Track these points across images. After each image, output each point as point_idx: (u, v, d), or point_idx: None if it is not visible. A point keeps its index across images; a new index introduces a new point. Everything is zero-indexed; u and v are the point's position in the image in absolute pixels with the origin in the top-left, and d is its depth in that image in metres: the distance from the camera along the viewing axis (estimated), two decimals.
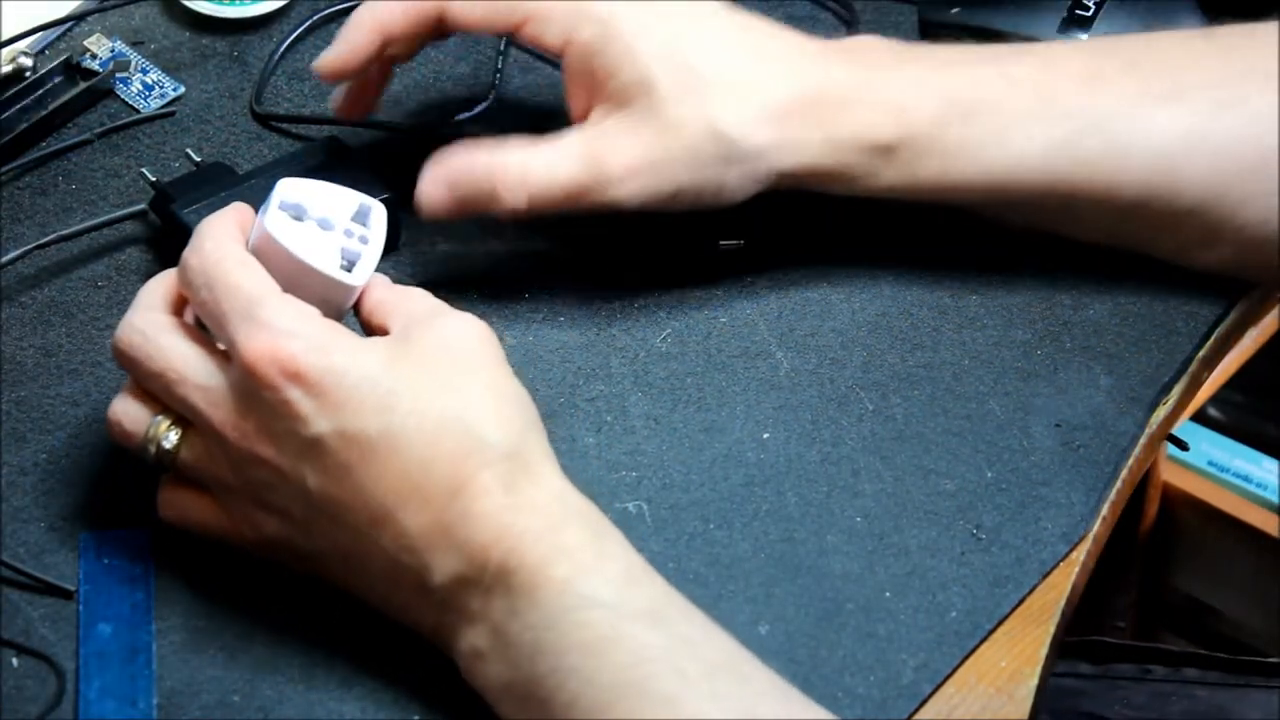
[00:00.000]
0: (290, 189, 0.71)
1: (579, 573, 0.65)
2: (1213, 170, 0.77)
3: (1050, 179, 0.77)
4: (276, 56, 0.90)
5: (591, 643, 0.64)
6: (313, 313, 0.68)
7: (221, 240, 0.69)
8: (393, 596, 0.69)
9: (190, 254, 0.70)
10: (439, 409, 0.67)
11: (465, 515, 0.66)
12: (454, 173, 0.77)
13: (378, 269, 0.72)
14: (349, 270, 0.71)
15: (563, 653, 0.64)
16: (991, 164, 0.77)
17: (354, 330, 0.70)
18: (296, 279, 0.69)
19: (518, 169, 0.76)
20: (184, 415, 0.70)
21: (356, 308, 0.72)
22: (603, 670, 0.63)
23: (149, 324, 0.70)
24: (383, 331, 0.70)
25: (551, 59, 0.84)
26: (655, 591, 0.66)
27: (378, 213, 0.72)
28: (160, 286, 0.71)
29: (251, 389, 0.67)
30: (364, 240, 0.71)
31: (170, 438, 0.70)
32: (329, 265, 0.70)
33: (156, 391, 0.70)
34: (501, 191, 0.76)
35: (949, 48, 0.80)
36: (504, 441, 0.67)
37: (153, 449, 0.70)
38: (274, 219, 0.70)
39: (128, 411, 0.71)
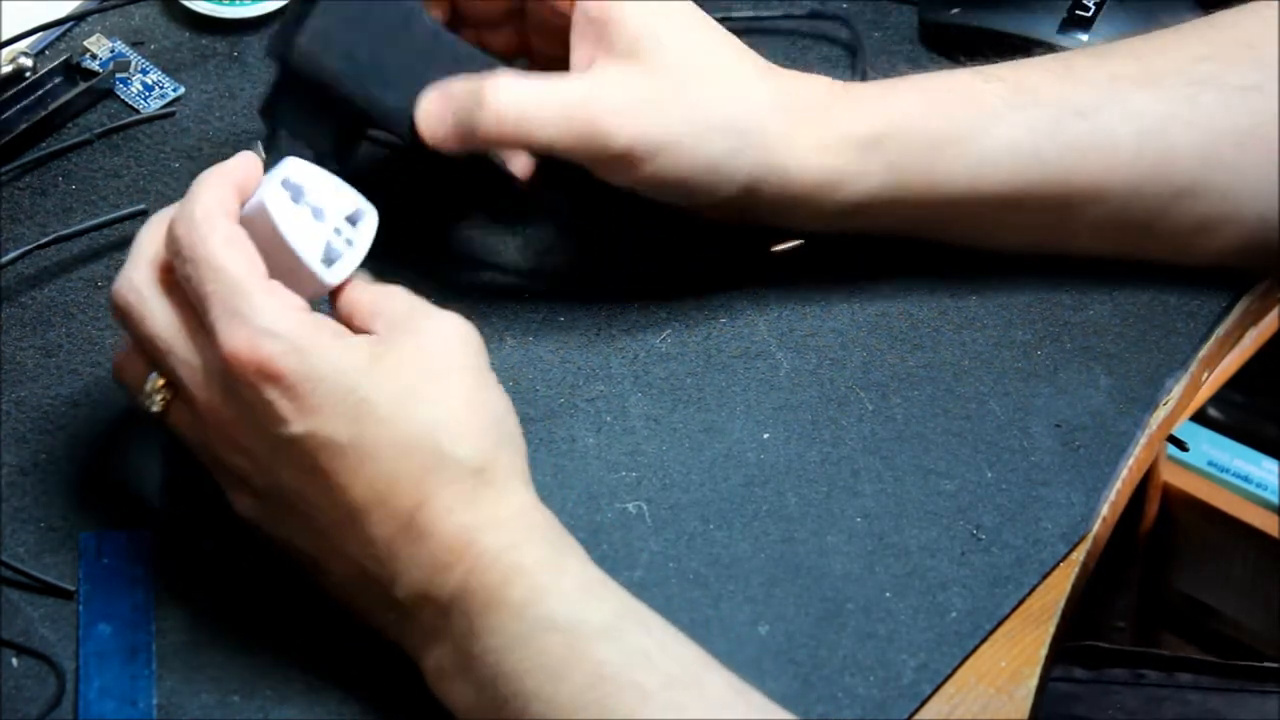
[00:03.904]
0: (297, 169, 0.70)
1: (535, 595, 0.65)
2: (1200, 145, 0.77)
3: (1040, 169, 0.77)
4: None
5: (550, 666, 0.64)
6: (297, 305, 0.68)
7: (211, 211, 0.68)
8: (358, 600, 0.69)
9: (178, 222, 0.68)
10: (411, 421, 0.66)
11: (426, 533, 0.66)
12: (453, 84, 0.74)
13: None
14: (328, 266, 0.70)
15: (523, 676, 0.64)
16: (978, 154, 0.77)
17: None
18: (275, 256, 0.69)
19: (510, 89, 0.74)
20: (172, 382, 0.70)
21: (333, 305, 0.71)
22: (561, 693, 0.63)
23: (143, 283, 0.69)
24: (365, 332, 0.70)
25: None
26: (612, 605, 0.66)
27: (370, 220, 0.71)
28: (157, 236, 0.70)
29: (231, 380, 0.67)
30: (349, 242, 0.71)
31: (156, 401, 0.70)
32: (311, 256, 0.69)
33: (148, 354, 0.70)
34: (489, 100, 0.73)
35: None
36: (471, 457, 0.67)
37: (145, 406, 0.70)
38: (273, 193, 0.69)
39: (128, 364, 0.71)
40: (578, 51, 0.76)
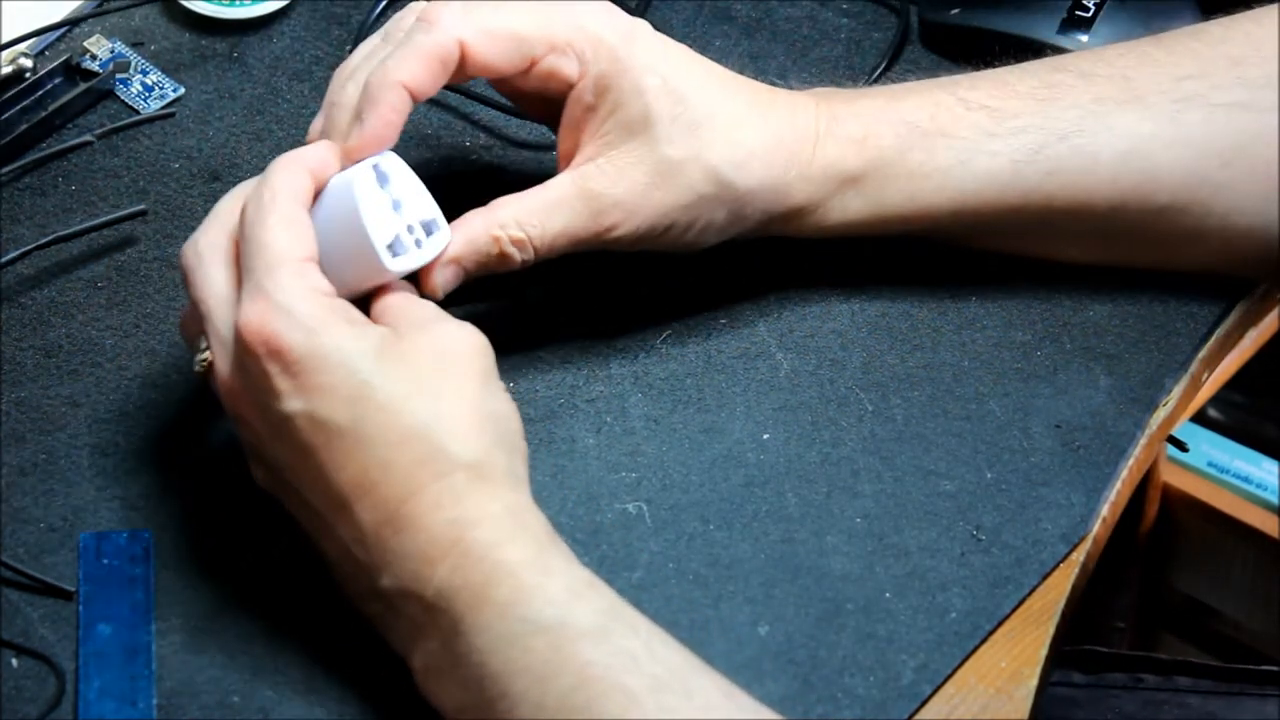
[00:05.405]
0: (391, 162, 0.72)
1: (521, 595, 0.65)
2: (1184, 164, 0.77)
3: (1022, 195, 0.78)
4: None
5: (537, 668, 0.64)
6: (322, 289, 0.69)
7: (279, 194, 0.70)
8: (349, 585, 0.69)
9: (250, 202, 0.70)
10: (410, 413, 0.67)
11: (412, 526, 0.66)
12: (455, 246, 0.74)
13: None
14: (393, 256, 0.71)
15: (510, 678, 0.64)
16: (959, 185, 0.77)
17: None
18: (346, 235, 0.70)
19: (515, 224, 0.75)
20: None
21: (370, 304, 0.72)
22: (549, 696, 0.63)
23: (206, 247, 0.71)
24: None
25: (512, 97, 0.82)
26: (599, 605, 0.66)
27: (442, 234, 0.73)
28: (235, 206, 0.72)
29: (240, 351, 0.68)
30: (418, 244, 0.72)
31: (198, 362, 0.71)
32: (379, 239, 0.71)
33: (199, 316, 0.71)
34: (507, 249, 0.75)
35: (906, 84, 0.81)
36: (465, 453, 0.67)
37: (193, 365, 0.72)
38: (362, 173, 0.71)
39: (189, 322, 0.73)
40: (565, 135, 0.76)
